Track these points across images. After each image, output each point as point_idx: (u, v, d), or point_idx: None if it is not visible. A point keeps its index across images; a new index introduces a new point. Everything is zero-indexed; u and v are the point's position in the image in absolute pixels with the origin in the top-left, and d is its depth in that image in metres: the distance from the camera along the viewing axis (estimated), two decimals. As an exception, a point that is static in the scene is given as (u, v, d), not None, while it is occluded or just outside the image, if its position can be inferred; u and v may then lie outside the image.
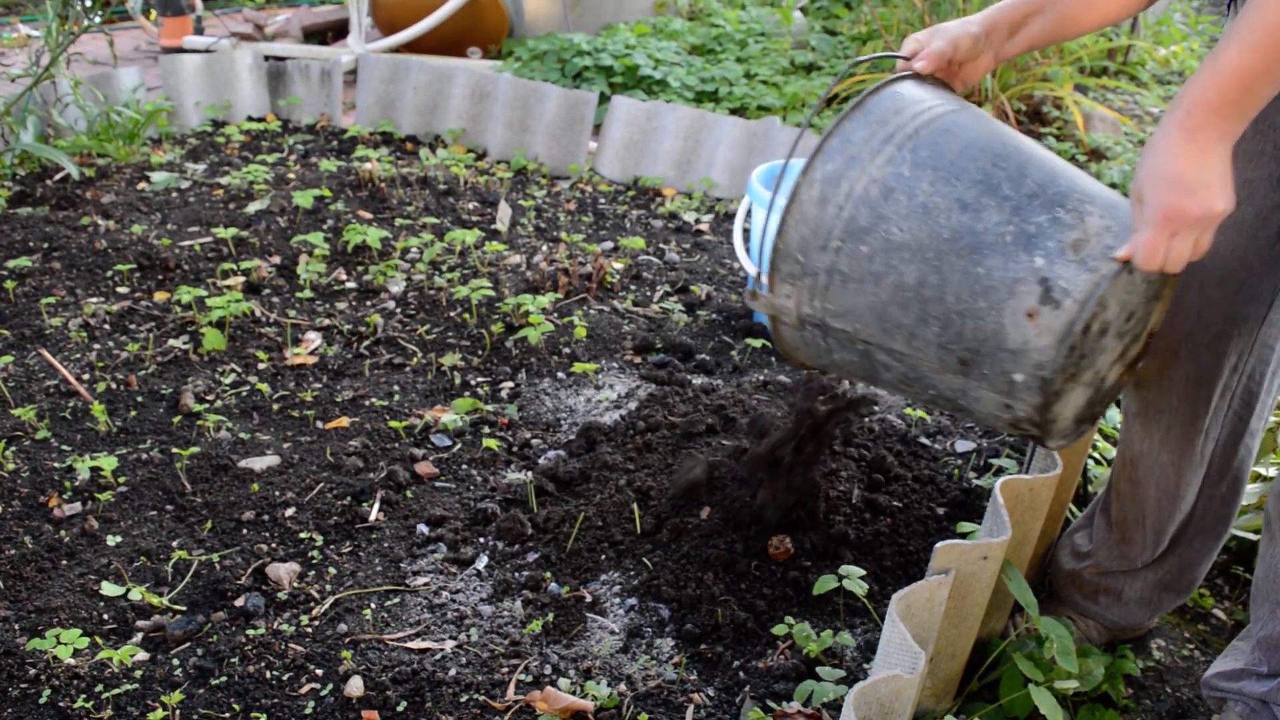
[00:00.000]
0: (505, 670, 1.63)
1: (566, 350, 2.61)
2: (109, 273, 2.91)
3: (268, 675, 1.62)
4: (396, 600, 1.79)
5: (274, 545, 1.91)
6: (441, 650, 1.67)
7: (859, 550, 1.87)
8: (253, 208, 3.35)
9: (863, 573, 1.71)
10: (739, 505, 1.88)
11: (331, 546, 1.91)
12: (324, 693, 1.58)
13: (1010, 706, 1.50)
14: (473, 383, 2.48)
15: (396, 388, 2.44)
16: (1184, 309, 1.44)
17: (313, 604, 1.77)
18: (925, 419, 2.36)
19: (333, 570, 1.85)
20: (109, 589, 1.76)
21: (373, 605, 1.77)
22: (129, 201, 3.42)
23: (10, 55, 5.43)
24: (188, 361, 2.51)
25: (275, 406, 2.34)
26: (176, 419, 2.28)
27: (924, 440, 2.28)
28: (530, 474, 2.11)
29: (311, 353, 2.57)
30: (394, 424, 2.27)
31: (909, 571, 1.85)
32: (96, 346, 2.56)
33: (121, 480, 2.06)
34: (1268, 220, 1.34)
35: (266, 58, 4.51)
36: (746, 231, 3.01)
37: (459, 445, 2.23)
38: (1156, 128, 1.16)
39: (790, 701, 1.56)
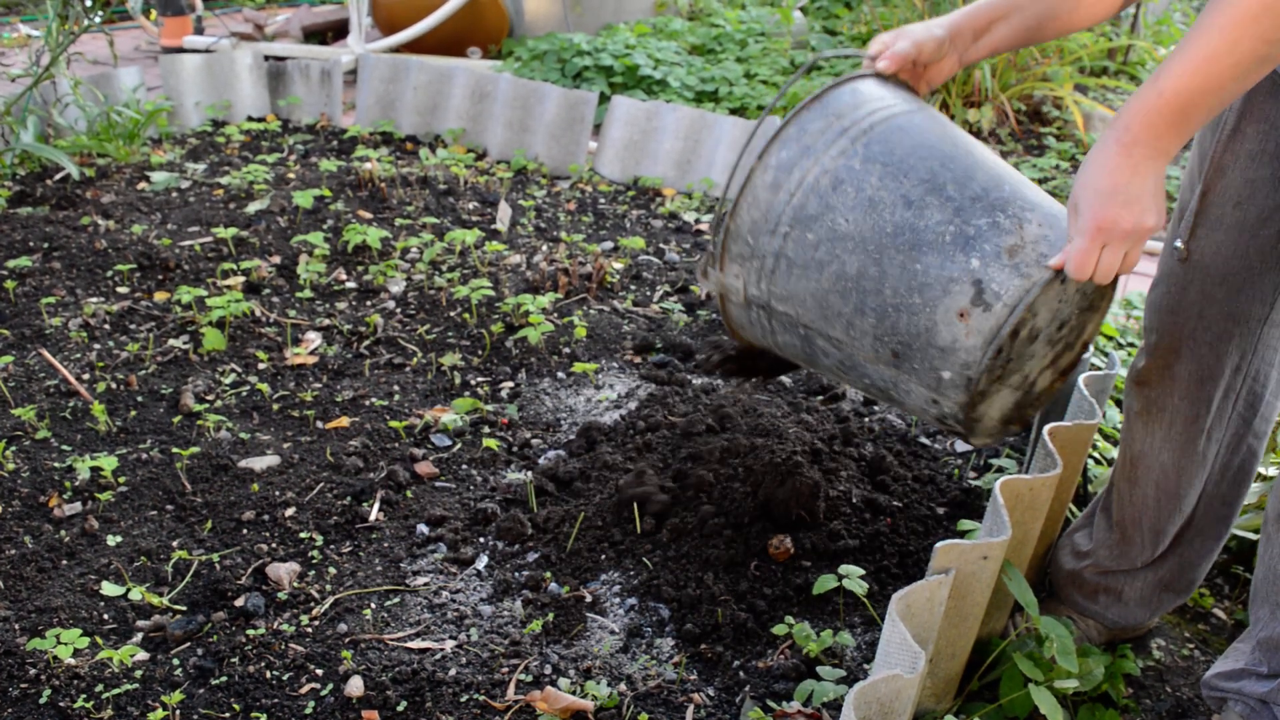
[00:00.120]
0: (505, 670, 1.63)
1: (566, 350, 2.61)
2: (109, 273, 2.91)
3: (268, 675, 1.62)
4: (396, 600, 1.79)
5: (274, 545, 1.91)
6: (441, 650, 1.67)
7: (859, 550, 1.87)
8: (253, 208, 3.35)
9: (863, 572, 1.71)
10: (732, 503, 1.88)
11: (331, 546, 1.91)
12: (324, 693, 1.58)
13: (1010, 706, 1.50)
14: (473, 383, 2.48)
15: (396, 388, 2.44)
16: (1186, 308, 1.44)
17: (313, 604, 1.77)
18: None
19: (333, 570, 1.85)
20: (109, 589, 1.76)
21: (373, 605, 1.77)
22: (129, 201, 3.42)
23: (10, 55, 5.43)
24: (188, 361, 2.51)
25: (275, 406, 2.34)
26: (176, 419, 2.28)
27: (924, 440, 2.28)
28: (530, 474, 2.11)
29: (311, 353, 2.57)
30: (394, 424, 2.27)
31: (909, 571, 1.85)
32: (96, 346, 2.56)
33: (121, 480, 2.06)
34: (1269, 220, 1.35)
35: (266, 58, 4.51)
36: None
37: (459, 445, 2.23)
38: (1096, 141, 1.19)
39: (790, 701, 1.56)
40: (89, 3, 3.70)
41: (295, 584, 1.81)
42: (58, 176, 3.62)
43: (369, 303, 2.84)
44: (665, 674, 1.63)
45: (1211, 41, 1.06)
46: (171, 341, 2.58)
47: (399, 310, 2.80)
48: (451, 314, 2.77)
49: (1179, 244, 1.41)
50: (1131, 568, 1.67)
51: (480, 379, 2.50)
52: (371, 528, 1.96)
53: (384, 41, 5.02)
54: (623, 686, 1.61)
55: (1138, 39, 5.24)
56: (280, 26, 5.96)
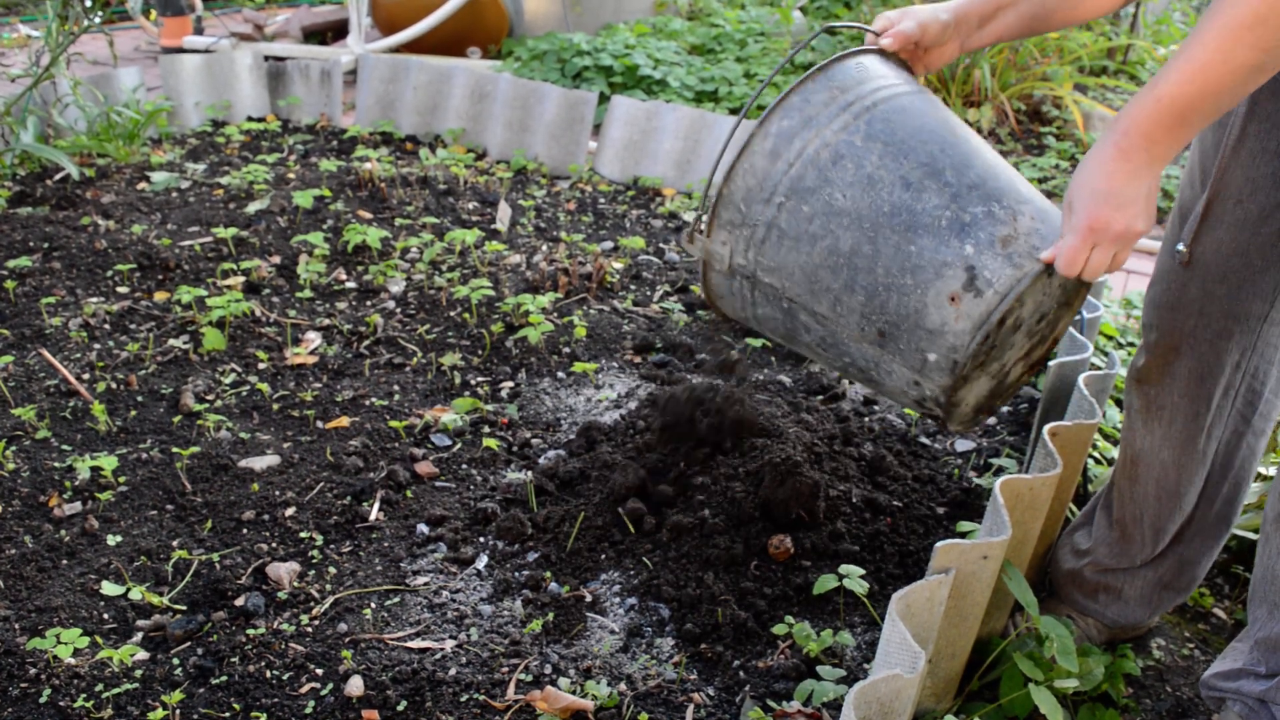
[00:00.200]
0: (505, 670, 1.63)
1: (566, 350, 2.61)
2: (109, 273, 2.91)
3: (268, 675, 1.62)
4: (396, 600, 1.79)
5: (274, 545, 1.91)
6: (441, 650, 1.67)
7: (859, 550, 1.87)
8: (253, 208, 3.35)
9: (863, 572, 1.71)
10: (733, 503, 1.88)
11: (331, 546, 1.91)
12: (324, 692, 1.59)
13: (1010, 706, 1.50)
14: (473, 382, 2.48)
15: (396, 387, 2.44)
16: (1186, 306, 1.44)
17: (313, 603, 1.77)
18: (925, 419, 2.36)
19: (333, 570, 1.85)
20: (109, 588, 1.76)
21: (373, 605, 1.77)
22: (129, 201, 3.42)
23: (10, 55, 5.43)
24: (188, 361, 2.51)
25: (275, 406, 2.34)
26: (176, 419, 2.28)
27: (924, 440, 2.28)
28: (530, 473, 2.11)
29: (311, 352, 2.57)
30: (394, 424, 2.27)
31: (909, 571, 1.85)
32: (96, 346, 2.56)
33: (122, 480, 2.06)
34: (1270, 218, 1.35)
35: (266, 58, 4.51)
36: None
37: (459, 445, 2.23)
38: (1094, 142, 1.21)
39: (790, 701, 1.57)
40: (89, 3, 3.70)
41: (295, 584, 1.81)
42: (58, 177, 3.62)
43: (369, 303, 2.84)
44: (665, 674, 1.63)
45: (1207, 50, 1.08)
46: (171, 341, 2.59)
47: (399, 310, 2.80)
48: (451, 314, 2.77)
49: (1181, 247, 1.41)
50: (1131, 566, 1.67)
51: (480, 379, 2.50)
52: (371, 527, 1.96)
53: (384, 42, 5.02)
54: (623, 686, 1.61)
55: (1137, 38, 5.24)
56: (280, 27, 5.96)
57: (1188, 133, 1.13)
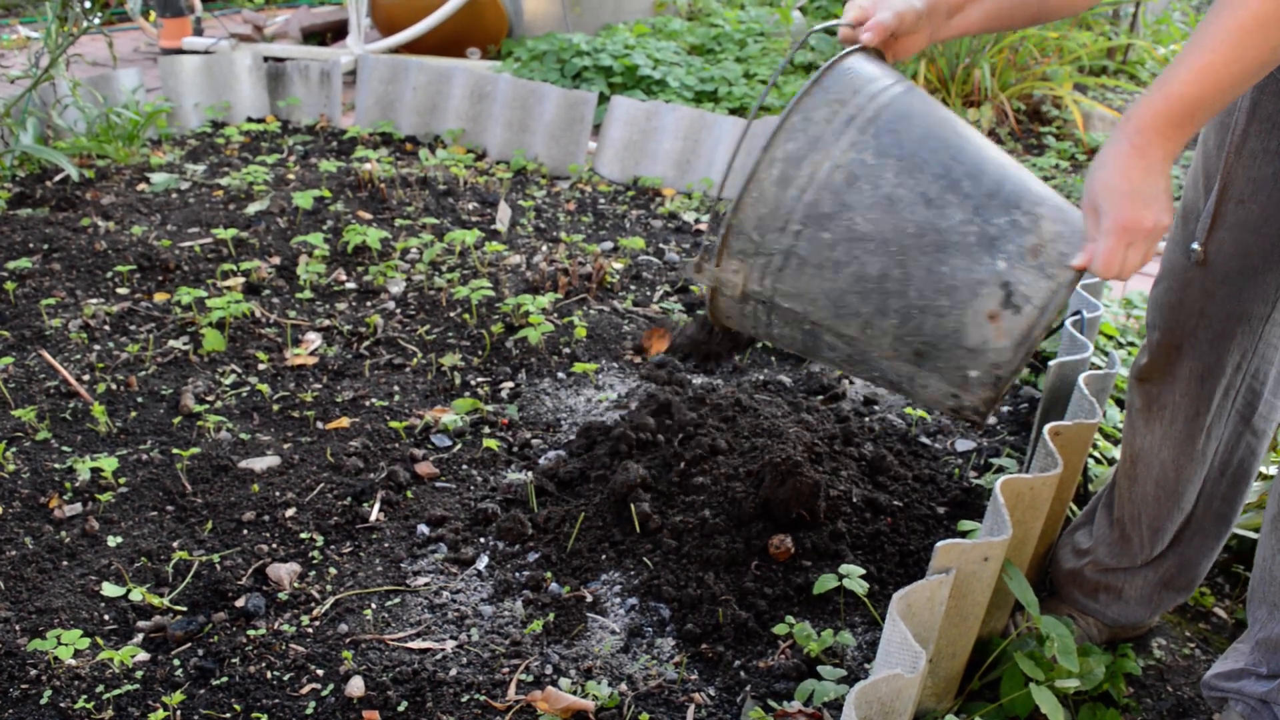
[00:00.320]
0: (506, 670, 1.63)
1: (566, 350, 2.61)
2: (109, 274, 2.91)
3: (268, 675, 1.62)
4: (397, 600, 1.79)
5: (274, 546, 1.91)
6: (442, 650, 1.67)
7: (859, 549, 1.87)
8: (252, 208, 3.35)
9: (863, 572, 1.71)
10: (735, 502, 1.88)
11: (332, 547, 1.91)
12: (325, 693, 1.58)
13: (1011, 706, 1.50)
14: (473, 383, 2.48)
15: (396, 388, 2.44)
16: (1188, 306, 1.44)
17: (313, 604, 1.77)
18: (925, 418, 2.36)
19: (333, 570, 1.85)
20: (109, 590, 1.76)
21: (373, 605, 1.77)
22: (129, 203, 3.42)
23: (10, 57, 5.43)
24: (188, 362, 2.51)
25: (275, 407, 2.34)
26: (177, 420, 2.28)
27: (924, 439, 2.28)
28: (530, 474, 2.11)
29: (311, 353, 2.57)
30: (394, 424, 2.27)
31: (909, 571, 1.85)
32: (96, 347, 2.56)
33: (122, 481, 2.06)
34: (1272, 218, 1.35)
35: (266, 59, 4.51)
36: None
37: (459, 445, 2.23)
38: (1106, 141, 1.21)
39: (791, 701, 1.56)
40: (88, 4, 3.70)
41: (296, 584, 1.81)
42: (57, 178, 3.62)
43: (369, 303, 2.84)
44: (666, 674, 1.63)
45: (1218, 49, 1.09)
46: (171, 342, 2.58)
47: (399, 311, 2.80)
48: (451, 314, 2.77)
49: (1195, 246, 1.41)
50: (1132, 565, 1.67)
51: (480, 379, 2.50)
52: (372, 528, 1.96)
53: (383, 42, 5.02)
54: (623, 686, 1.61)
55: (1137, 38, 5.25)
56: (279, 28, 5.96)
57: (1196, 127, 1.16)
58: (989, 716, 1.52)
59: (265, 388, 2.40)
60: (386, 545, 1.92)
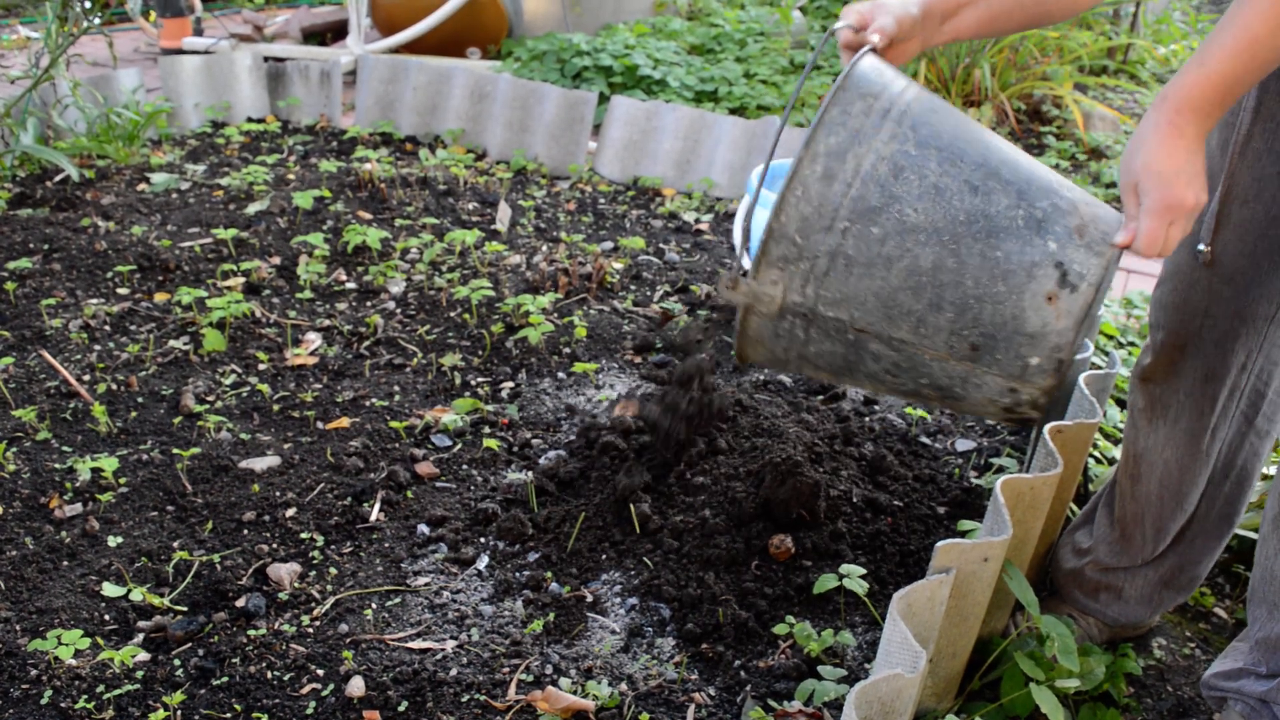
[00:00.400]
0: (506, 670, 1.63)
1: (567, 350, 2.61)
2: (109, 274, 2.91)
3: (269, 675, 1.62)
4: (397, 600, 1.79)
5: (275, 546, 1.91)
6: (442, 650, 1.67)
7: (860, 549, 1.87)
8: (253, 209, 3.35)
9: (863, 572, 1.71)
10: (735, 502, 1.88)
11: (332, 547, 1.91)
12: (325, 693, 1.58)
13: (1011, 705, 1.50)
14: (473, 383, 2.48)
15: (397, 388, 2.44)
16: (1192, 306, 1.44)
17: (314, 604, 1.77)
18: (925, 418, 2.36)
19: (333, 570, 1.85)
20: (110, 590, 1.76)
21: (374, 605, 1.77)
22: (129, 203, 3.42)
23: (10, 57, 5.43)
24: (188, 362, 2.51)
25: (276, 407, 2.34)
26: (177, 420, 2.28)
27: (924, 439, 2.28)
28: (531, 474, 2.11)
29: (312, 353, 2.57)
30: (394, 424, 2.27)
31: (910, 571, 1.85)
32: (97, 347, 2.56)
33: (122, 481, 2.06)
34: (1277, 218, 1.35)
35: (266, 59, 4.51)
36: (747, 230, 3.01)
37: (459, 445, 2.23)
38: (1141, 123, 1.22)
39: (791, 701, 1.56)
40: (88, 4, 3.70)
41: (296, 584, 1.81)
42: (58, 178, 3.62)
43: (369, 303, 2.84)
44: (666, 674, 1.63)
45: (1253, 26, 1.11)
46: (172, 342, 2.59)
47: (399, 311, 2.80)
48: (451, 314, 2.78)
49: (1203, 247, 1.41)
50: (1132, 565, 1.67)
51: (480, 379, 2.50)
52: (372, 528, 1.96)
53: (383, 42, 5.02)
54: (624, 686, 1.61)
55: (1137, 38, 5.25)
56: (279, 28, 5.96)
57: (1230, 103, 1.17)
58: (989, 716, 1.52)
59: (265, 388, 2.40)
60: (387, 545, 1.92)
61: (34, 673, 1.60)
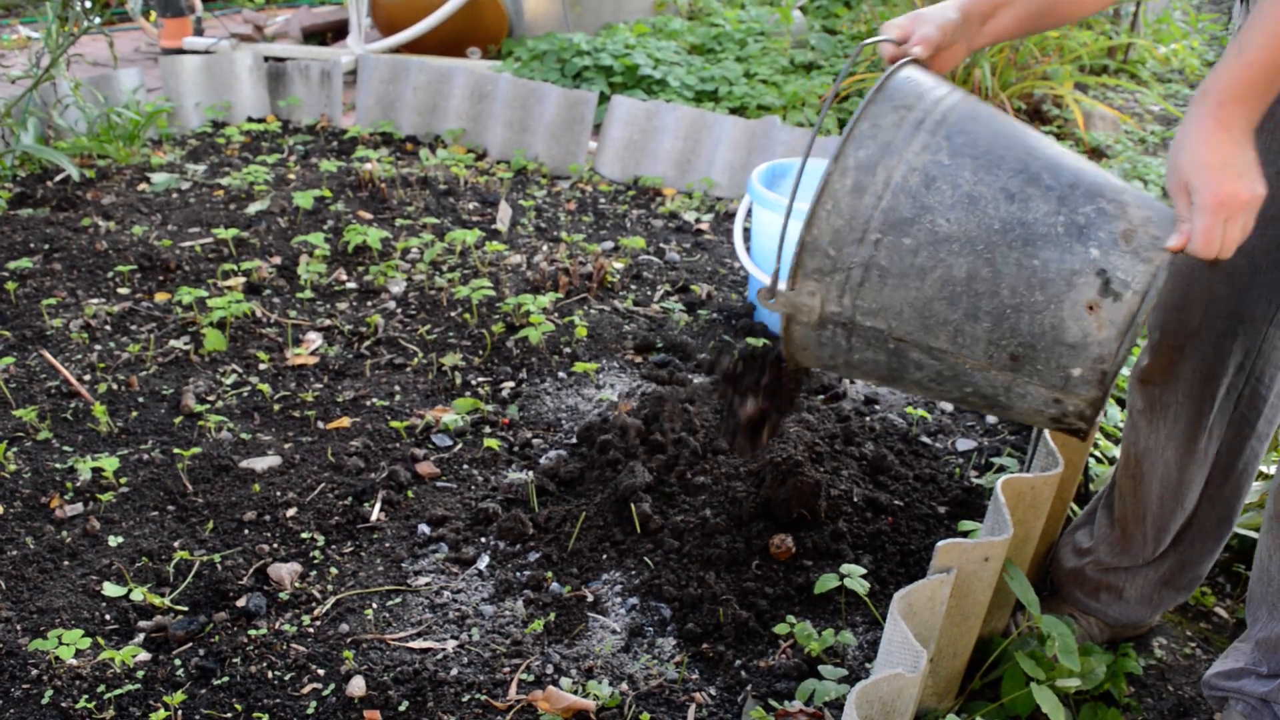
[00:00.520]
0: (507, 670, 1.63)
1: (567, 350, 2.61)
2: (110, 274, 2.91)
3: (269, 675, 1.62)
4: (398, 600, 1.79)
5: (275, 545, 1.91)
6: (443, 650, 1.68)
7: (860, 549, 1.87)
8: (253, 208, 3.35)
9: (864, 571, 1.71)
10: (737, 501, 1.88)
11: (333, 546, 1.91)
12: (326, 693, 1.59)
13: (1012, 705, 1.50)
14: (473, 383, 2.48)
15: (397, 388, 2.44)
16: (1191, 306, 1.44)
17: (314, 604, 1.77)
18: (926, 418, 2.36)
19: (334, 570, 1.85)
20: (111, 589, 1.76)
21: (374, 605, 1.77)
22: (129, 203, 3.42)
23: (10, 57, 5.43)
24: (189, 362, 2.51)
25: (276, 407, 2.34)
26: (178, 419, 2.28)
27: (925, 439, 2.28)
28: (531, 474, 2.11)
29: (312, 353, 2.57)
30: (395, 424, 2.27)
31: (910, 570, 1.85)
32: (97, 347, 2.56)
33: (123, 481, 2.06)
34: (1275, 219, 1.35)
35: (266, 58, 4.51)
36: (747, 231, 3.01)
37: (460, 445, 2.23)
38: (1183, 121, 1.19)
39: (792, 700, 1.57)
40: (89, 4, 3.70)
41: (297, 584, 1.81)
42: (58, 178, 3.62)
43: (370, 303, 2.84)
44: (667, 673, 1.63)
45: None
46: (172, 342, 2.59)
47: (399, 310, 2.80)
48: (452, 314, 2.78)
49: None
50: (1133, 565, 1.67)
51: (481, 379, 2.50)
52: (373, 528, 1.96)
53: (383, 42, 5.02)
54: (624, 686, 1.61)
55: (1137, 37, 5.25)
56: (280, 27, 5.96)
57: (1274, 93, 1.14)
58: (990, 716, 1.52)
59: (266, 387, 2.40)
60: (387, 545, 1.92)
61: (35, 672, 1.60)
